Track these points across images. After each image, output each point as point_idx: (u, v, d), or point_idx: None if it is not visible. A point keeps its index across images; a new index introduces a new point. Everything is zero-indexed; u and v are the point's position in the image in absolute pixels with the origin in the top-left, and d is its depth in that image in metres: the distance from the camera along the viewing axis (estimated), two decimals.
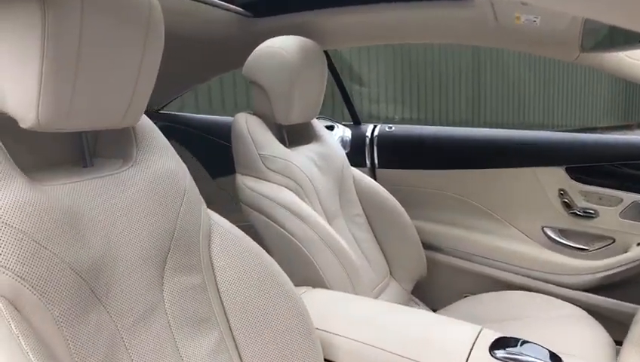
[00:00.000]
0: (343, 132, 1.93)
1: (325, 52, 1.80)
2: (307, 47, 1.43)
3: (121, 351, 0.72)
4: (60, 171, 0.78)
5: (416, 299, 1.74)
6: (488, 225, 1.77)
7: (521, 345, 0.96)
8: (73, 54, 0.66)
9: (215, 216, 0.94)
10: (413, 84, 6.16)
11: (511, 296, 1.58)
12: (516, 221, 1.73)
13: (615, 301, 1.57)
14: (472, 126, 1.82)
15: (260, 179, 1.38)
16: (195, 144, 2.08)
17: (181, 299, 0.83)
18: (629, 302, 1.56)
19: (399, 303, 1.62)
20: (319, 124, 1.65)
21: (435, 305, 1.75)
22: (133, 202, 0.80)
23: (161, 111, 2.20)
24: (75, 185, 0.73)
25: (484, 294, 1.62)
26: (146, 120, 0.91)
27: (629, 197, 1.57)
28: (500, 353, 0.93)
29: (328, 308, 1.06)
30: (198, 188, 2.03)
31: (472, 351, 0.93)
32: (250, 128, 1.40)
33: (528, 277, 1.67)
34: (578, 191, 1.63)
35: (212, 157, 2.09)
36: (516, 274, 1.69)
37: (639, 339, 0.70)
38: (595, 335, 1.33)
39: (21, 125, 0.67)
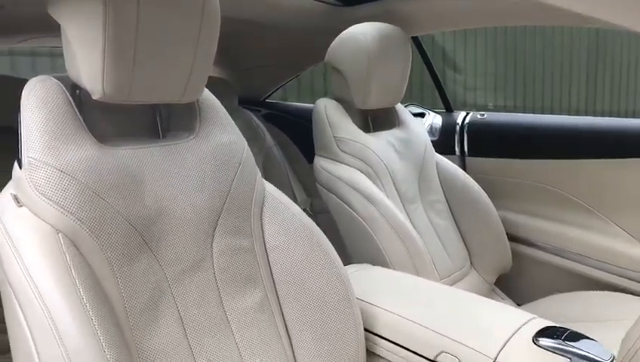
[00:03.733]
0: (433, 119, 1.91)
1: (417, 38, 1.80)
2: (388, 32, 1.45)
3: (167, 296, 0.83)
4: (135, 140, 0.91)
5: (500, 292, 1.67)
6: (586, 220, 1.64)
7: (574, 337, 0.91)
8: (131, 36, 0.78)
9: (269, 187, 1.03)
10: (516, 69, 5.67)
11: (605, 296, 1.46)
12: (619, 218, 1.59)
13: None
14: (586, 115, 1.69)
15: (335, 161, 1.44)
16: (294, 130, 2.20)
17: (229, 258, 0.92)
18: None
19: (478, 294, 1.58)
20: (404, 110, 1.67)
21: (520, 299, 1.68)
22: (191, 168, 0.91)
23: (267, 101, 2.36)
24: (140, 150, 0.86)
25: (576, 292, 1.52)
26: (210, 97, 1.02)
27: None
28: (544, 341, 0.89)
29: (376, 283, 1.09)
30: (295, 171, 2.14)
31: (514, 336, 0.90)
32: (327, 112, 1.46)
33: (630, 279, 1.52)
34: None
35: (309, 142, 2.19)
36: (616, 275, 1.55)
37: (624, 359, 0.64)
38: None
39: (93, 97, 0.81)
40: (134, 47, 0.79)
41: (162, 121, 0.97)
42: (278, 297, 0.97)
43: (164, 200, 0.86)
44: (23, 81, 0.84)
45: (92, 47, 0.77)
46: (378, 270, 1.18)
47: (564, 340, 0.90)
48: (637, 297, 1.43)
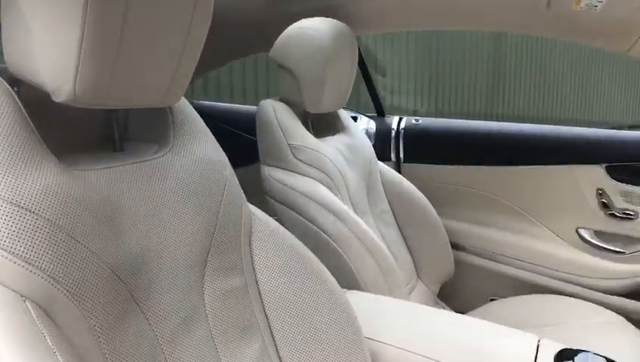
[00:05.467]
0: (368, 124, 1.84)
1: None
2: (340, 30, 1.33)
3: None
4: (91, 155, 0.68)
5: (442, 303, 1.65)
6: (520, 225, 1.68)
7: (590, 359, 0.88)
8: (118, 20, 0.56)
9: (256, 211, 0.85)
10: (432, 74, 5.95)
11: (543, 300, 1.50)
12: (549, 221, 1.65)
13: None
14: (487, 119, 1.73)
15: (289, 170, 1.28)
16: None
17: (223, 304, 0.73)
18: None
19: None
20: (346, 114, 1.56)
21: (460, 308, 1.67)
22: (173, 193, 0.70)
23: None
24: (110, 171, 0.64)
25: (514, 298, 1.54)
26: (184, 101, 0.82)
27: None
28: None
29: (374, 314, 0.97)
30: None
31: None
32: (278, 116, 1.30)
33: (560, 280, 1.59)
34: (618, 191, 1.55)
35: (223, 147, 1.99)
36: (548, 276, 1.61)
37: None
38: (638, 343, 1.26)
39: (54, 98, 0.57)
40: (120, 35, 0.57)
41: (120, 130, 0.75)
42: (276, 345, 0.80)
43: (147, 237, 0.65)
44: None
45: (64, 32, 0.54)
46: (364, 297, 1.05)
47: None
48: (573, 298, 1.49)
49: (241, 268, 0.78)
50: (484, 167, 1.69)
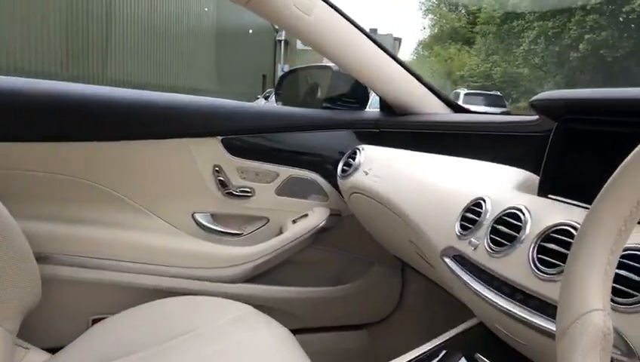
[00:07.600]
0: None
1: None
2: None
3: None
4: None
5: (23, 342, 1.11)
6: (124, 216, 1.31)
7: None
8: None
9: None
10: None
11: (162, 306, 1.19)
12: (161, 209, 1.34)
13: (279, 288, 1.41)
14: (98, 83, 1.30)
15: None
16: None
17: None
18: (293, 285, 1.42)
19: (4, 357, 0.99)
20: None
21: (52, 342, 1.18)
22: None
23: None
24: None
25: (123, 313, 1.17)
26: None
27: (285, 171, 1.42)
28: None
29: None
30: None
31: None
32: None
33: (182, 277, 1.31)
34: (235, 167, 1.38)
35: None
36: (167, 276, 1.31)
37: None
38: (275, 332, 1.13)
39: None
40: None
41: None
42: None
43: None
44: None
45: None
46: None
47: None
48: (198, 296, 1.25)
49: None
50: (71, 143, 1.23)
